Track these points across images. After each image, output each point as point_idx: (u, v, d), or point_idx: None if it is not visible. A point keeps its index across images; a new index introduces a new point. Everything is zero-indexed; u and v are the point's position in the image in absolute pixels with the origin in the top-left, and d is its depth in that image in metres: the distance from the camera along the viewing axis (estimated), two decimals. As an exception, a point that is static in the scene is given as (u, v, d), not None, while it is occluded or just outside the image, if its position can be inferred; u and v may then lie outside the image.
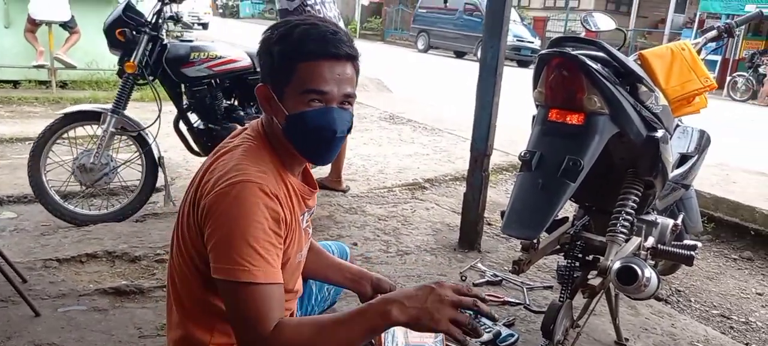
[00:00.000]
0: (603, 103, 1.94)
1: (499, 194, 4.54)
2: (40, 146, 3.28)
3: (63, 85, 7.07)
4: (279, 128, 1.26)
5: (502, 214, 2.08)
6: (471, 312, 1.35)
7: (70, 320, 2.33)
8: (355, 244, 3.34)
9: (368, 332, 1.13)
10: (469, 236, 3.45)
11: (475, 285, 2.96)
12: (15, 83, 6.92)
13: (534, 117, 2.14)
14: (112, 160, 3.38)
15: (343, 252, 1.81)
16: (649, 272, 1.94)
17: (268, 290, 1.14)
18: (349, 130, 1.32)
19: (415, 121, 7.19)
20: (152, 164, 3.43)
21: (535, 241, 2.22)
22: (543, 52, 2.11)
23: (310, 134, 1.25)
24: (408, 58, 14.54)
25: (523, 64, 16.22)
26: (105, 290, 2.59)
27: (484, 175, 3.38)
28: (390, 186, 4.57)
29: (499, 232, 3.72)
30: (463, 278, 3.03)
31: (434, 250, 3.39)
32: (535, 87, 2.12)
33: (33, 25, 6.33)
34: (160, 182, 3.54)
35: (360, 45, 1.36)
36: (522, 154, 2.02)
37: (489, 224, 3.77)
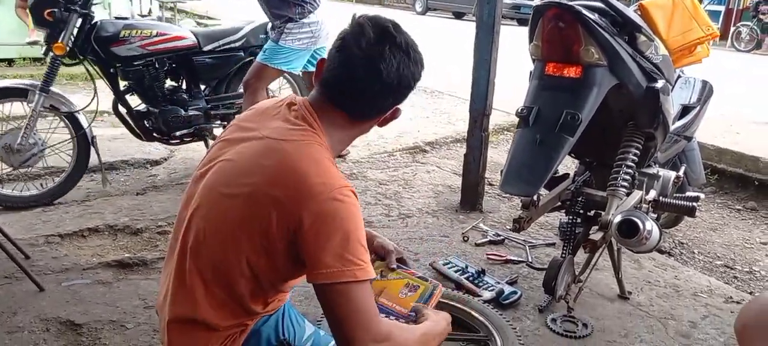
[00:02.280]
0: (601, 55, 1.90)
1: (501, 154, 4.50)
2: None
3: (70, 63, 6.98)
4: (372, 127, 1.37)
5: (501, 173, 2.06)
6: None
7: (75, 293, 2.35)
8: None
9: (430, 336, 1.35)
10: (471, 197, 3.44)
11: (477, 245, 2.96)
12: (9, 62, 6.85)
13: (531, 72, 2.10)
14: (40, 141, 3.17)
15: None
16: (650, 225, 1.93)
17: (370, 285, 1.22)
18: None
19: (415, 84, 7.12)
20: (85, 145, 3.25)
21: (535, 198, 2.21)
22: (538, 3, 2.06)
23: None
24: (406, 21, 14.31)
25: (523, 22, 15.95)
26: (108, 263, 2.60)
27: (484, 135, 3.35)
28: (390, 150, 4.55)
29: (501, 192, 3.72)
30: (465, 238, 3.03)
31: (436, 212, 3.38)
32: (531, 41, 2.08)
33: (24, 0, 6.24)
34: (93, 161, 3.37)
35: (357, 9, 1.34)
36: (519, 110, 1.99)
37: (490, 185, 3.76)
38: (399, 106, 1.34)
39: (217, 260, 1.24)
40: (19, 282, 2.38)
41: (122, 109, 3.48)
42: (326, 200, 1.15)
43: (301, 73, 3.85)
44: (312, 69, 3.68)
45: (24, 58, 6.88)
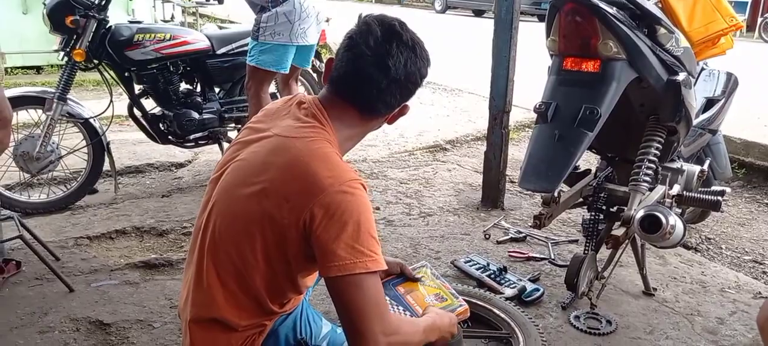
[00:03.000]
0: (619, 48, 1.88)
1: (521, 152, 4.45)
2: None
3: (85, 68, 7.14)
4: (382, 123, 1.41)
5: (520, 169, 2.05)
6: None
7: (103, 294, 2.41)
8: (378, 208, 3.35)
9: (429, 339, 1.37)
10: (492, 195, 3.43)
11: (498, 243, 2.95)
12: (38, 69, 7.02)
13: (549, 67, 2.09)
14: (56, 148, 3.17)
15: None
16: (673, 220, 1.90)
17: (380, 277, 1.24)
18: None
19: (435, 82, 7.11)
20: (99, 152, 3.27)
21: (555, 194, 2.19)
22: (555, -2, 2.04)
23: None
24: (426, 20, 14.31)
25: (543, 18, 15.68)
26: (135, 264, 2.66)
27: (504, 132, 3.33)
28: (411, 149, 4.55)
29: (522, 189, 3.69)
30: (487, 236, 3.02)
31: (457, 210, 3.38)
32: (548, 36, 2.06)
33: None
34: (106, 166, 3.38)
35: (377, 9, 1.36)
36: (537, 105, 1.98)
37: (511, 182, 3.74)
38: (407, 103, 1.36)
39: (233, 258, 1.27)
40: (50, 283, 2.45)
41: (137, 113, 3.54)
42: (336, 193, 1.17)
43: (310, 69, 3.83)
44: (306, 66, 3.68)
45: (52, 65, 7.05)
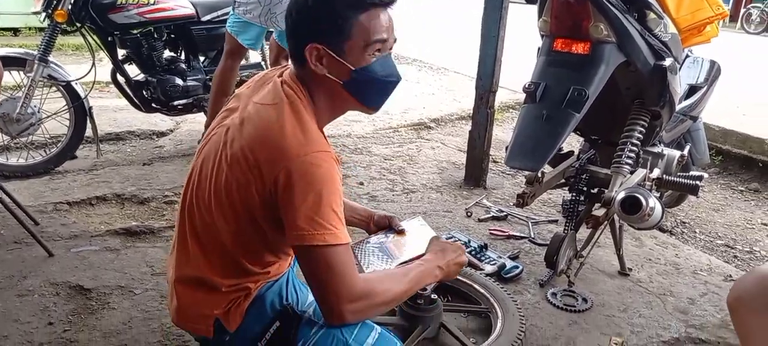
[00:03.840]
0: (609, 31, 1.89)
1: (506, 132, 4.51)
2: None
3: (64, 31, 6.97)
4: (337, 84, 1.27)
5: (507, 148, 2.07)
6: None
7: (84, 259, 2.39)
8: (362, 183, 3.37)
9: (422, 284, 1.39)
10: (475, 174, 3.46)
11: (480, 221, 2.99)
12: (15, 31, 6.84)
13: (539, 48, 2.10)
14: (38, 111, 3.12)
15: None
16: (653, 202, 1.95)
17: (348, 249, 1.22)
18: None
19: (421, 60, 7.10)
20: (81, 117, 3.23)
21: (539, 174, 2.22)
22: (548, -21, 2.05)
23: (377, 85, 1.30)
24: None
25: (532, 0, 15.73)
26: (116, 230, 2.64)
27: (490, 112, 3.35)
28: (395, 126, 4.56)
29: (505, 169, 3.73)
30: (469, 214, 3.05)
31: (440, 188, 3.41)
32: (540, 16, 2.07)
33: None
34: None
35: None
36: (526, 85, 1.99)
37: (494, 162, 3.78)
38: (326, 44, 1.24)
39: (208, 222, 1.30)
40: (29, 247, 2.42)
41: (121, 79, 3.48)
42: (302, 162, 1.16)
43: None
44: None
45: (30, 28, 6.86)
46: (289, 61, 1.36)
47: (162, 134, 4.01)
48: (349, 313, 1.22)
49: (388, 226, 1.65)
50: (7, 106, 3.04)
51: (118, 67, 3.44)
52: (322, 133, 1.30)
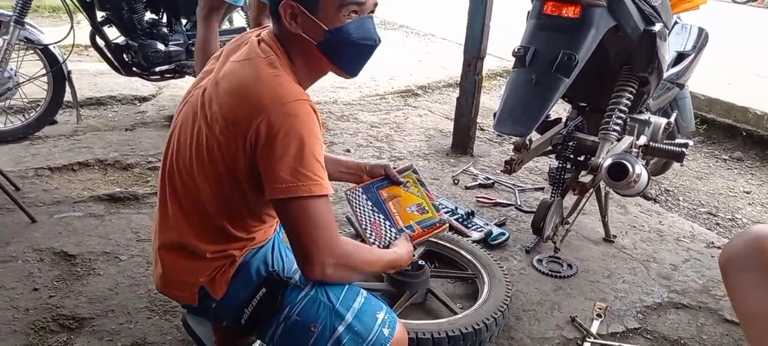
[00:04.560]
0: (600, -6, 1.87)
1: (493, 100, 4.50)
2: None
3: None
4: (312, 45, 1.24)
5: (495, 114, 2.06)
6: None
7: (67, 225, 2.36)
8: (348, 150, 3.35)
9: (388, 270, 1.49)
10: (462, 141, 3.45)
11: (467, 188, 2.99)
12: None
13: (529, 12, 2.07)
14: (14, 75, 3.03)
15: None
16: (639, 169, 1.96)
17: (329, 201, 1.20)
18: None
19: (408, 26, 7.02)
20: (60, 81, 3.15)
21: (527, 141, 2.22)
22: (539, -60, 2.01)
23: (352, 47, 1.25)
24: (400, -37, 13.99)
25: (519, -33, 15.55)
26: (99, 196, 2.60)
27: (477, 79, 3.33)
28: (382, 93, 4.52)
29: (492, 137, 3.73)
30: (456, 181, 3.05)
31: (427, 155, 3.40)
32: (530, -21, 2.04)
33: None
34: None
35: None
36: (515, 49, 1.97)
37: (482, 129, 3.77)
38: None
39: (189, 186, 1.28)
40: (11, 213, 2.38)
41: (100, 42, 3.36)
42: (280, 112, 1.14)
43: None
44: None
45: (5, -11, 6.64)
46: (270, 21, 1.32)
47: (144, 99, 3.94)
48: (330, 266, 1.20)
49: (383, 175, 1.63)
50: None
51: (97, 29, 3.33)
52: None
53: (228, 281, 1.34)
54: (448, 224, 1.57)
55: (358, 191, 1.58)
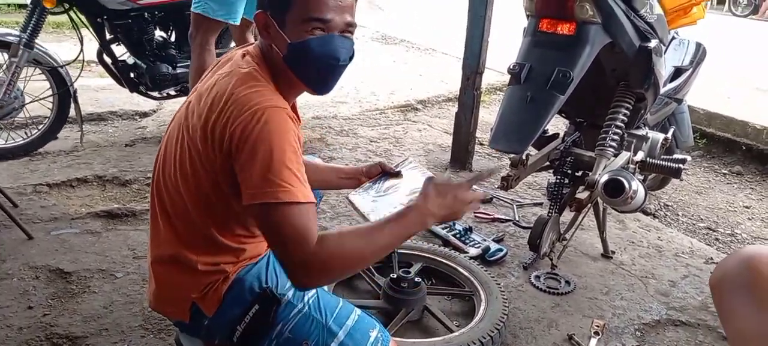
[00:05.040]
0: (595, 12, 1.88)
1: (492, 114, 4.49)
2: None
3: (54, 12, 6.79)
4: (279, 56, 1.26)
5: (491, 130, 2.06)
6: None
7: (64, 242, 2.36)
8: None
9: (405, 237, 1.25)
10: (461, 156, 3.45)
11: (465, 203, 2.98)
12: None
13: (525, 28, 2.08)
14: (21, 95, 3.06)
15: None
16: (636, 185, 1.95)
17: (306, 207, 1.17)
18: (351, 59, 1.32)
19: (409, 41, 7.05)
20: (65, 101, 3.17)
21: (523, 157, 2.22)
22: (534, -42, 2.02)
23: (312, 63, 1.25)
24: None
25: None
26: (97, 213, 2.60)
27: (476, 93, 3.33)
28: (382, 108, 4.53)
29: (491, 151, 3.73)
30: (454, 196, 3.04)
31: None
32: (525, -4, 2.05)
33: None
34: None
35: None
36: (511, 66, 1.97)
37: (481, 144, 3.77)
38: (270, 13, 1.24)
39: (176, 199, 1.30)
40: (8, 230, 2.38)
41: (107, 59, 3.37)
42: (252, 119, 1.14)
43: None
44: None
45: (9, 5, 6.71)
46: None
47: (145, 115, 3.96)
48: (315, 272, 1.17)
49: (380, 172, 1.64)
50: None
51: (105, 47, 3.34)
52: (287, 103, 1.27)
53: (220, 297, 1.34)
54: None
55: (359, 193, 1.59)
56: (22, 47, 2.95)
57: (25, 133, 3.22)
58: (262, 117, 1.15)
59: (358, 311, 1.37)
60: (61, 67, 3.12)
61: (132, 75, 3.41)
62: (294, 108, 1.40)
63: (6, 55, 3.01)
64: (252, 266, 1.39)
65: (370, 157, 3.50)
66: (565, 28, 1.89)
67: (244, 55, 1.30)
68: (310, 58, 1.24)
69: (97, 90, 4.19)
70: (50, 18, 3.48)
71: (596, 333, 2.02)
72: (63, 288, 2.10)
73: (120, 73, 3.39)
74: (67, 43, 5.72)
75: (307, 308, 1.34)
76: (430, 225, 1.27)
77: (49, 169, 3.00)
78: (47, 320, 1.92)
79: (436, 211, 1.25)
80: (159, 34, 3.51)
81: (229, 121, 1.17)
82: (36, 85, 3.19)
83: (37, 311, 1.97)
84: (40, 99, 3.16)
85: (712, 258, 2.64)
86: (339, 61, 1.27)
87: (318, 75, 1.29)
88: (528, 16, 2.07)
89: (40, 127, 3.22)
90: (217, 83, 1.25)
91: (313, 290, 1.36)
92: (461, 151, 3.44)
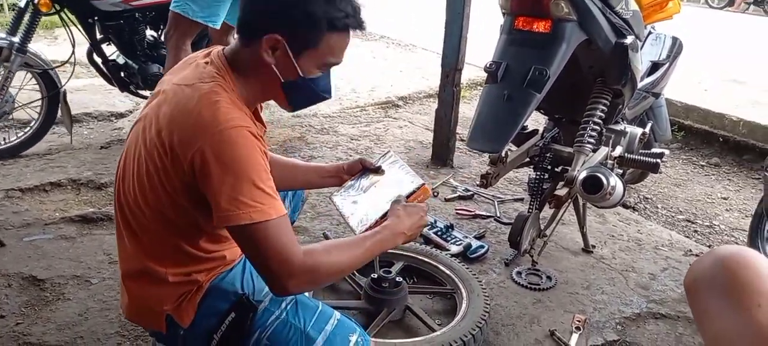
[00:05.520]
0: (570, 9, 1.87)
1: (473, 110, 4.49)
2: None
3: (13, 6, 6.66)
4: (276, 79, 1.24)
5: (469, 130, 2.05)
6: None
7: (37, 248, 2.31)
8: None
9: (379, 253, 1.35)
10: (441, 153, 3.44)
11: (446, 200, 2.98)
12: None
13: (501, 26, 2.07)
14: (12, 100, 3.07)
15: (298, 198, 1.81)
16: (614, 181, 1.96)
17: (283, 222, 1.17)
18: None
19: (389, 37, 7.02)
20: (53, 104, 3.16)
21: (503, 154, 2.21)
22: (509, -45, 2.01)
23: (311, 96, 1.31)
24: (382, -28, 14.02)
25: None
26: (71, 218, 2.55)
27: (456, 90, 3.33)
28: (362, 105, 4.50)
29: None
30: (435, 193, 3.04)
31: (407, 167, 3.38)
32: (501, -7, 2.04)
33: None
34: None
35: None
36: (487, 65, 1.96)
37: (461, 140, 3.75)
38: (285, 36, 1.19)
39: (136, 211, 1.26)
40: (-22, 237, 2.32)
41: (97, 59, 3.34)
42: (214, 141, 1.12)
43: None
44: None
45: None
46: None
47: (121, 116, 3.89)
48: (293, 287, 1.18)
49: (361, 169, 1.63)
50: None
51: (95, 47, 3.30)
52: (249, 112, 1.25)
53: (195, 307, 1.31)
54: (430, 189, 1.53)
55: (340, 194, 1.59)
56: (14, 53, 2.90)
57: (3, 139, 3.16)
58: (226, 138, 1.12)
59: (338, 314, 1.35)
60: (52, 69, 3.10)
61: (122, 74, 3.38)
62: (257, 113, 1.37)
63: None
64: (227, 272, 1.37)
65: (350, 156, 3.48)
66: (540, 26, 1.89)
67: (207, 63, 1.25)
68: (311, 91, 1.29)
69: (72, 91, 4.08)
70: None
71: (578, 328, 2.03)
72: (36, 296, 2.05)
73: (110, 72, 3.36)
74: (56, 44, 5.61)
75: (285, 314, 1.32)
76: (400, 243, 1.37)
77: (21, 173, 2.93)
78: (20, 329, 1.88)
79: (405, 230, 1.36)
80: (150, 33, 3.47)
81: (190, 142, 1.13)
82: (25, 87, 3.15)
83: (10, 320, 1.92)
84: (31, 104, 3.14)
85: (690, 250, 2.67)
86: (330, 95, 1.36)
87: (308, 102, 1.35)
88: (504, 13, 2.07)
89: (25, 130, 3.19)
90: (178, 95, 1.20)
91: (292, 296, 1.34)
92: (442, 148, 3.44)
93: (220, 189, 1.12)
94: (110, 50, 3.36)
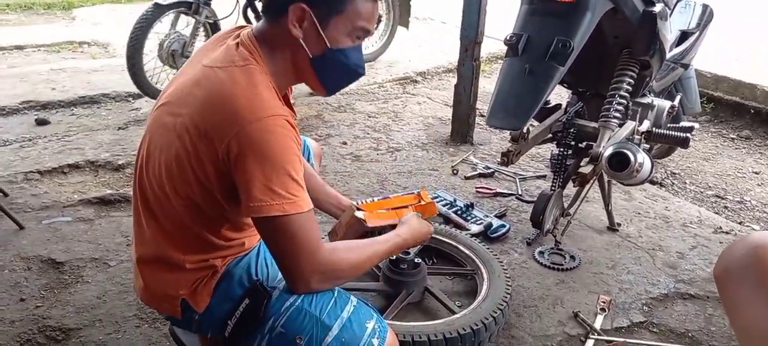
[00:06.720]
0: (596, -24, 1.78)
1: (493, 85, 4.40)
2: (138, 40, 3.32)
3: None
4: (305, 55, 1.20)
5: (488, 106, 1.98)
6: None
7: (56, 231, 2.31)
8: (345, 143, 3.27)
9: (394, 253, 1.48)
10: (461, 129, 3.37)
11: (466, 178, 2.92)
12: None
13: (522, -4, 1.98)
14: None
15: (307, 149, 1.74)
16: (641, 157, 1.87)
17: (312, 216, 1.16)
18: None
19: (407, 11, 6.88)
20: None
21: (525, 130, 2.14)
22: None
23: (344, 70, 1.24)
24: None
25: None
26: (89, 200, 2.55)
27: (475, 64, 3.24)
28: (380, 82, 4.43)
29: (492, 123, 3.64)
30: (455, 171, 2.98)
31: (426, 145, 3.32)
32: (522, -38, 1.94)
33: None
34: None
35: None
36: (507, 37, 1.88)
37: (481, 116, 3.67)
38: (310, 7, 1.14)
39: (161, 196, 1.23)
40: (-1, 220, 2.34)
41: (251, 15, 3.55)
42: (253, 129, 1.09)
43: None
44: None
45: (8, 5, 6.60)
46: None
47: (138, 96, 3.88)
48: (315, 282, 1.19)
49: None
50: (176, 45, 3.45)
51: (250, 3, 3.52)
52: (280, 96, 1.21)
53: (210, 292, 1.29)
54: (422, 191, 1.58)
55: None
56: (202, 5, 3.41)
57: None
58: (264, 127, 1.10)
59: (355, 300, 1.32)
60: (219, 20, 3.56)
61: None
62: (287, 98, 1.33)
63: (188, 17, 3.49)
64: (242, 257, 1.34)
65: (368, 133, 3.43)
66: (564, -5, 1.80)
67: (238, 45, 1.20)
68: (342, 65, 1.22)
69: (89, 72, 4.11)
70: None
71: (602, 310, 1.97)
72: (55, 279, 2.06)
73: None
74: (57, 23, 5.63)
75: (299, 300, 1.28)
76: (410, 247, 1.51)
77: (39, 155, 2.94)
78: (40, 312, 1.89)
79: (415, 237, 1.46)
80: None
81: (225, 128, 1.10)
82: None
83: (30, 303, 1.93)
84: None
85: (720, 227, 2.57)
86: (363, 72, 1.29)
87: (341, 81, 1.29)
88: (525, -17, 1.98)
89: None
90: (210, 78, 1.16)
91: None
92: (462, 125, 3.36)
93: (254, 178, 1.10)
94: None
